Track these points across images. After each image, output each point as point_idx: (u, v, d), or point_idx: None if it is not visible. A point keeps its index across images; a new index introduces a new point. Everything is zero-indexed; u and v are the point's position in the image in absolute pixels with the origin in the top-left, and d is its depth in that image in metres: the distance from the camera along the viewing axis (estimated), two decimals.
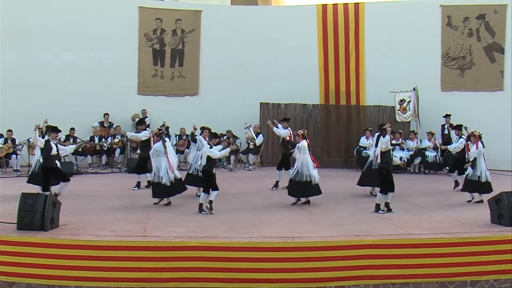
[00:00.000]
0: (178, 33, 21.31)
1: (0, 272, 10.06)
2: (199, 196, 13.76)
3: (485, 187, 13.95)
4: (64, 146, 14.79)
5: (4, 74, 19.43)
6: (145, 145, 15.27)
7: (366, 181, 15.21)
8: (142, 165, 15.51)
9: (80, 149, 18.27)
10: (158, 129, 14.49)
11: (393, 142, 17.19)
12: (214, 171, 13.21)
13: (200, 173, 13.76)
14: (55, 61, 20.08)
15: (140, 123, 16.07)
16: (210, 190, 12.99)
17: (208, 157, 13.07)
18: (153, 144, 14.36)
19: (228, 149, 13.72)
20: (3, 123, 18.65)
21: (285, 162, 15.88)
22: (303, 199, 14.08)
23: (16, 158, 18.43)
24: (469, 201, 14.36)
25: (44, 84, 19.91)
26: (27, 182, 14.31)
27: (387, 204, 13.31)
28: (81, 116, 19.44)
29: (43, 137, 13.52)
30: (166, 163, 13.49)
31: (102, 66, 20.36)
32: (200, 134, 14.50)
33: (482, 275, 10.52)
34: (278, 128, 16.05)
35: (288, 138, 15.56)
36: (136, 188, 15.60)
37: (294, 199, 14.01)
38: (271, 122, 16.48)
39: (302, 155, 13.71)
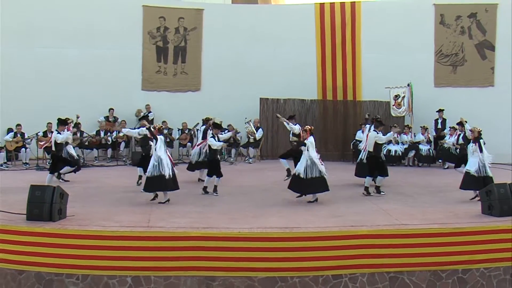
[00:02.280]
0: (181, 30, 21.59)
1: (10, 260, 10.24)
2: (203, 181, 14.42)
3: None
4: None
5: (12, 70, 19.73)
6: (144, 142, 14.90)
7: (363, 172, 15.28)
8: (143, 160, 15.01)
9: (87, 143, 18.84)
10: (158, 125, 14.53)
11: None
12: (218, 157, 14.13)
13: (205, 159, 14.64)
14: (61, 57, 20.36)
15: (142, 119, 16.28)
16: (215, 176, 13.85)
17: (210, 147, 13.95)
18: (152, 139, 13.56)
19: (229, 134, 14.92)
20: (12, 118, 18.97)
21: (288, 154, 15.32)
22: (309, 196, 13.33)
23: (25, 152, 18.78)
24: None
25: (51, 79, 20.24)
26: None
27: (377, 188, 13.95)
28: (87, 110, 19.54)
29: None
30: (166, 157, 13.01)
31: (107, 63, 20.66)
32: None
33: (473, 264, 10.58)
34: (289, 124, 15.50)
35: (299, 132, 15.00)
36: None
37: (297, 194, 13.38)
38: (281, 116, 15.97)
39: (311, 151, 13.20)
